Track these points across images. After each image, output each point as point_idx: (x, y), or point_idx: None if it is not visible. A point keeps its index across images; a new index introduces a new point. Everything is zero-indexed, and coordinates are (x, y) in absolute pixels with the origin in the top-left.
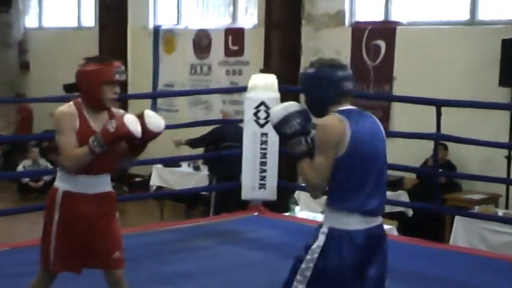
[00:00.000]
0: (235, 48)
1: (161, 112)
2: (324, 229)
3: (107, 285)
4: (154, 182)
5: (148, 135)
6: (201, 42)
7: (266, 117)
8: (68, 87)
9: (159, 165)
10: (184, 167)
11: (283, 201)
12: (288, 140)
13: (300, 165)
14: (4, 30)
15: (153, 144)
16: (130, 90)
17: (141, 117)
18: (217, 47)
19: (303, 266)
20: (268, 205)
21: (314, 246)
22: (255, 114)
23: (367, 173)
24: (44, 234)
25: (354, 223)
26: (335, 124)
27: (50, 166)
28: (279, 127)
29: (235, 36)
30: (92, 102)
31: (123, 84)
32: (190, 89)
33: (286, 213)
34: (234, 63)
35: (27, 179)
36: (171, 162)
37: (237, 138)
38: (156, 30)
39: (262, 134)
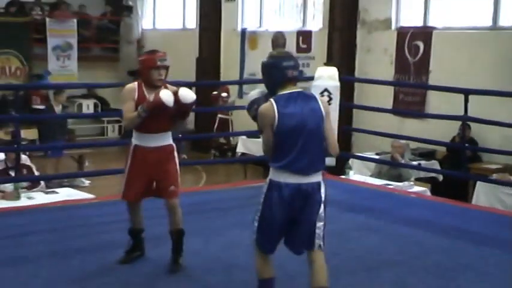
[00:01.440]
0: (304, 46)
1: (246, 95)
2: (267, 180)
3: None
4: (240, 149)
5: (182, 105)
6: (278, 41)
7: (329, 101)
8: (130, 73)
9: (244, 137)
10: None
11: (340, 167)
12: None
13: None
14: (127, 31)
15: (240, 121)
16: (223, 78)
17: (176, 92)
18: (290, 45)
19: (258, 207)
20: (329, 169)
21: (262, 193)
22: None
23: (294, 142)
24: (123, 174)
25: (283, 177)
26: (267, 109)
27: None
28: (249, 109)
29: (304, 36)
30: (146, 82)
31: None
32: None
33: (343, 176)
34: (303, 58)
35: None
36: (253, 134)
37: None
38: (243, 32)
39: None
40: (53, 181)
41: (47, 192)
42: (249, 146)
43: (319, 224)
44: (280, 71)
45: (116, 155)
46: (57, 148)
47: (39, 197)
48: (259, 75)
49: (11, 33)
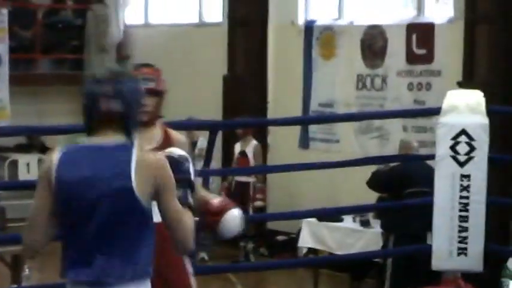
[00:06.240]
0: (422, 51)
1: (315, 143)
2: None
3: None
4: (305, 242)
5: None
6: (373, 43)
7: (468, 153)
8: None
9: (312, 219)
10: (348, 222)
11: (492, 274)
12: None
13: None
14: (98, 29)
15: (305, 191)
16: (272, 111)
17: (218, 215)
18: (396, 50)
19: None
20: (471, 278)
21: None
22: (452, 147)
23: (78, 231)
24: None
25: None
26: (46, 160)
27: None
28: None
29: (421, 34)
30: None
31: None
32: (356, 110)
33: None
34: (419, 73)
35: None
36: (329, 214)
37: (425, 181)
38: (309, 26)
39: (463, 177)
40: None
41: None
42: (322, 237)
43: None
44: (91, 101)
45: None
46: None
47: None
48: (342, 106)
49: None
